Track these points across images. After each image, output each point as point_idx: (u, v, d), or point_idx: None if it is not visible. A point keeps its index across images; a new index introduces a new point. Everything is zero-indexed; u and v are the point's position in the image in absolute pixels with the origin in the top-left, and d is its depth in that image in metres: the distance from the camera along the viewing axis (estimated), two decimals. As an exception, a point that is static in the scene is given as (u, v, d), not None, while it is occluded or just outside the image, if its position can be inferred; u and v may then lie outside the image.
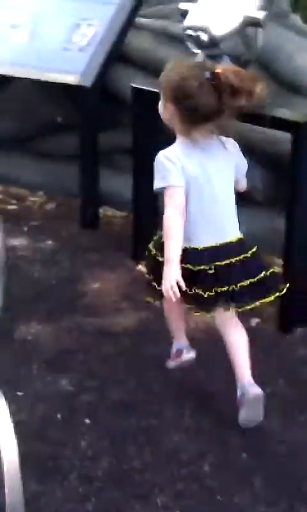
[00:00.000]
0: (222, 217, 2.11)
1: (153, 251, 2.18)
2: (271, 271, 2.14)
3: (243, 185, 2.22)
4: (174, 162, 2.02)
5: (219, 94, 1.96)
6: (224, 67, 2.05)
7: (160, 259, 2.08)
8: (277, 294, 2.16)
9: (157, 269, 2.10)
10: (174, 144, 2.06)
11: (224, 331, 2.19)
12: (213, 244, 2.10)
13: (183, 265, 2.03)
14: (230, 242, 2.12)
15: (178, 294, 1.99)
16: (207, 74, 1.96)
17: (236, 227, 2.16)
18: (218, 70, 1.97)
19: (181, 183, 2.03)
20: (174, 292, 1.98)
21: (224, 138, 2.08)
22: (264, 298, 2.15)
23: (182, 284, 1.98)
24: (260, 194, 3.15)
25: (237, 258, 2.08)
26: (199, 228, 2.10)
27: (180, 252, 2.03)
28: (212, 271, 2.05)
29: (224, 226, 2.13)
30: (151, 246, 2.21)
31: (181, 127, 2.03)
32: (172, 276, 1.99)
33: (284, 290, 2.16)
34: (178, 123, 2.03)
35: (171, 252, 2.03)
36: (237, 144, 2.14)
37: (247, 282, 2.06)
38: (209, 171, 2.06)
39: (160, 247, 2.10)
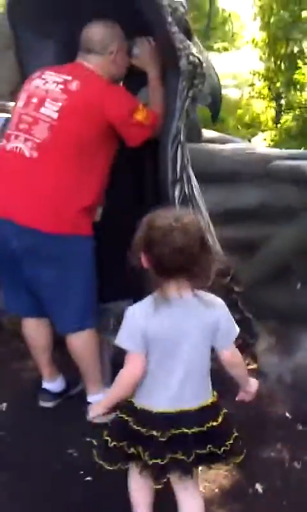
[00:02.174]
0: (185, 381, 1.86)
1: (125, 417, 1.93)
2: (234, 436, 1.92)
3: (227, 355, 1.90)
4: (137, 324, 1.82)
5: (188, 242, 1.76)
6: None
7: (134, 426, 1.88)
8: (236, 460, 1.95)
9: (127, 434, 1.89)
10: (148, 297, 1.86)
11: (177, 496, 1.94)
12: (171, 410, 1.85)
13: (134, 426, 1.87)
14: (190, 410, 1.86)
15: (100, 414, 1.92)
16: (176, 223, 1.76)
17: (203, 393, 1.91)
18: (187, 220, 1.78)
19: (137, 349, 1.83)
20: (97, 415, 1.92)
21: (208, 297, 1.85)
22: (222, 463, 1.95)
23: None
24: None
25: (195, 430, 1.84)
26: (158, 390, 1.87)
27: (118, 399, 1.91)
28: (164, 439, 1.83)
29: (186, 391, 1.86)
30: (120, 412, 1.96)
31: (153, 278, 1.82)
32: (103, 405, 1.92)
33: (242, 458, 1.94)
34: (150, 274, 1.83)
35: (111, 396, 1.92)
36: (224, 305, 1.89)
37: (206, 450, 1.85)
38: (178, 332, 1.83)
39: (134, 412, 1.91)
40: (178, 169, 2.49)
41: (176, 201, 2.46)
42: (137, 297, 1.89)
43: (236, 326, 1.89)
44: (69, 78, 2.48)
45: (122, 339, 1.83)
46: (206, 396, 1.90)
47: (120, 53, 2.58)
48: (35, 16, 2.63)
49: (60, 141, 2.41)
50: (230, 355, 1.88)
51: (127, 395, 1.89)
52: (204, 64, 2.78)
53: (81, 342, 2.56)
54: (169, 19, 2.37)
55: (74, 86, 2.45)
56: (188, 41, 2.49)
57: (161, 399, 1.85)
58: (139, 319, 1.81)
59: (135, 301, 1.89)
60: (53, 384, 2.81)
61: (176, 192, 2.47)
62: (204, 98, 3.00)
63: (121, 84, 2.71)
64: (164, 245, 1.72)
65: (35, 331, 2.70)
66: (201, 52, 2.79)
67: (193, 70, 2.50)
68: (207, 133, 4.17)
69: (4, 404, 2.81)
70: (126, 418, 1.90)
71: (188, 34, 2.61)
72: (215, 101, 2.99)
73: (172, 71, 2.46)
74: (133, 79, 2.72)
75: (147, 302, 1.83)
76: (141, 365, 1.82)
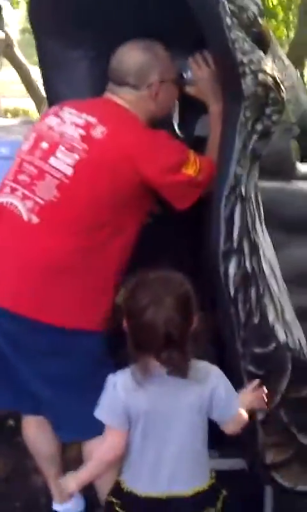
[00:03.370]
0: (176, 463, 1.65)
1: (112, 499, 1.73)
2: None
3: (229, 429, 1.69)
4: (118, 397, 1.63)
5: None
6: None
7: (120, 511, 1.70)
8: None
9: None
10: (130, 368, 1.66)
11: None
12: (159, 496, 1.64)
13: (120, 510, 1.69)
14: (181, 496, 1.64)
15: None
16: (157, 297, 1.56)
17: (198, 477, 1.69)
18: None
19: (118, 425, 1.64)
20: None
21: (200, 366, 1.64)
22: None
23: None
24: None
25: None
26: (145, 471, 1.67)
27: (94, 477, 1.74)
28: None
29: (176, 474, 1.66)
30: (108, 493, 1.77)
31: (130, 350, 1.62)
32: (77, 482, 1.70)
33: None
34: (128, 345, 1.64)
35: (86, 472, 1.70)
36: (221, 374, 1.66)
37: None
38: (165, 410, 1.62)
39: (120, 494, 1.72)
40: (235, 235, 1.75)
41: (230, 281, 1.72)
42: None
43: (235, 392, 1.68)
44: (93, 120, 1.82)
45: (101, 411, 1.66)
46: (201, 480, 1.70)
47: (164, 85, 1.89)
48: (55, 19, 1.99)
49: (71, 206, 1.76)
50: (233, 429, 1.68)
51: (102, 473, 1.73)
52: (285, 86, 2.04)
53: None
54: (228, 20, 1.66)
55: (99, 132, 1.79)
56: (258, 54, 1.76)
57: (148, 481, 1.67)
58: (120, 391, 1.63)
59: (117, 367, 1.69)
60: (66, 506, 2.14)
61: (231, 269, 1.72)
62: (289, 131, 2.25)
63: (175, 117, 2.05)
64: (138, 320, 1.56)
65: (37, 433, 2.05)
66: (284, 68, 2.05)
67: (264, 94, 1.76)
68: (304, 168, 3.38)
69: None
70: (113, 500, 1.73)
71: (262, 45, 1.89)
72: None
73: (231, 96, 1.74)
74: (189, 107, 2.03)
75: (129, 374, 1.64)
76: (121, 443, 1.66)
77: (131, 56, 1.87)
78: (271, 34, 1.95)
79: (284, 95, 1.85)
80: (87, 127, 1.81)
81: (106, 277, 1.80)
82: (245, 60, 1.70)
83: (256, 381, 1.74)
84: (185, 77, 1.96)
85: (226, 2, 1.66)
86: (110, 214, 1.78)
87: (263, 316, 1.81)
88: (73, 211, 1.76)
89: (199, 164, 1.81)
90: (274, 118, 1.80)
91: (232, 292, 1.71)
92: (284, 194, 2.34)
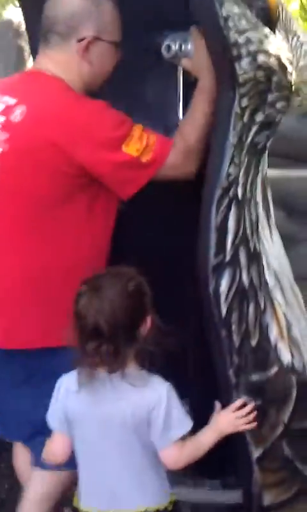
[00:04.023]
0: (113, 478, 1.51)
1: None
2: None
3: (167, 457, 1.48)
4: (59, 399, 1.52)
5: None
6: None
7: None
8: None
9: None
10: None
11: None
12: None
13: None
14: None
15: None
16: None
17: (144, 494, 1.51)
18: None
19: (58, 427, 1.53)
20: None
21: (150, 378, 1.47)
22: None
23: None
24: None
25: None
26: (84, 485, 1.55)
27: None
28: None
29: (116, 491, 1.51)
30: None
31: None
32: None
33: None
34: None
35: None
36: (167, 392, 1.45)
37: None
38: (98, 415, 1.47)
39: None
40: (229, 245, 1.50)
41: (222, 299, 1.49)
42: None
43: (186, 420, 1.46)
44: (13, 102, 1.53)
45: (48, 413, 1.56)
46: (149, 498, 1.51)
47: (99, 45, 1.56)
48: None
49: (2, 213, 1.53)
50: (170, 459, 1.47)
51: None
52: (301, 65, 1.76)
53: None
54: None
55: (18, 114, 1.50)
56: (261, 32, 1.49)
57: (92, 497, 1.55)
58: (62, 392, 1.53)
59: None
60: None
61: (223, 285, 1.49)
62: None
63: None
64: (74, 308, 1.44)
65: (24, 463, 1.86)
66: (295, 48, 1.77)
67: (265, 79, 1.50)
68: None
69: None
70: None
71: (269, 20, 1.61)
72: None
73: (224, 83, 1.48)
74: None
75: (74, 375, 1.51)
76: (61, 448, 1.54)
77: (65, 1, 1.56)
78: (281, 7, 1.68)
79: (292, 77, 1.58)
80: (6, 111, 1.53)
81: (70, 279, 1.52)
82: (240, 40, 1.43)
83: (239, 401, 1.53)
84: (184, 49, 1.69)
85: None
86: (50, 218, 1.52)
87: (264, 336, 1.57)
88: (5, 218, 1.54)
89: (147, 141, 1.49)
90: (279, 105, 1.53)
91: (224, 312, 1.48)
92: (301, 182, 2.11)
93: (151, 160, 1.49)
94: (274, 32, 1.61)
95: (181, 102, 1.87)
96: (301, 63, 1.75)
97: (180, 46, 1.71)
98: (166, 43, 1.70)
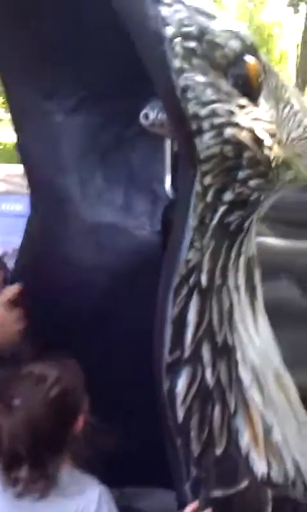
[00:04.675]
0: None
1: None
2: None
3: None
4: None
5: None
6: None
7: None
8: None
9: None
10: None
11: None
12: None
13: None
14: None
15: None
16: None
17: None
18: None
19: None
20: None
21: (81, 480, 1.34)
22: None
23: None
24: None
25: None
26: None
27: None
28: None
29: None
30: None
31: None
32: None
33: None
34: None
35: None
36: (107, 502, 1.33)
37: None
38: None
39: None
40: (188, 340, 1.32)
41: (178, 402, 1.30)
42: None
43: None
44: None
45: None
46: None
47: None
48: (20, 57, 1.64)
49: None
50: None
51: None
52: (292, 137, 1.60)
53: None
54: (177, 63, 1.26)
55: None
56: (234, 102, 1.33)
57: None
58: None
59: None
60: None
61: (180, 386, 1.31)
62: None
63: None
64: None
65: None
66: (286, 118, 1.61)
67: (234, 155, 1.34)
68: None
69: None
70: None
71: (248, 89, 1.46)
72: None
73: (184, 158, 1.33)
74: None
75: None
76: None
77: None
78: (269, 73, 1.53)
79: (273, 151, 1.42)
80: None
81: None
82: (202, 112, 1.29)
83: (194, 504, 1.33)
84: (158, 117, 1.57)
85: (177, 40, 1.27)
86: None
87: (232, 443, 1.37)
88: None
89: None
90: (253, 183, 1.37)
91: (180, 416, 1.30)
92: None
93: None
94: (256, 101, 1.47)
95: (169, 171, 1.75)
96: (293, 134, 1.59)
97: (157, 114, 1.60)
98: (145, 111, 1.60)
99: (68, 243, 1.84)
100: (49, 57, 1.72)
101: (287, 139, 1.58)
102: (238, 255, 1.45)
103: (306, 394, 2.20)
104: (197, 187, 1.28)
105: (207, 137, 1.28)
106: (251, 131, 1.35)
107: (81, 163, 1.85)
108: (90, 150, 1.83)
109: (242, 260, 1.47)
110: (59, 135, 1.81)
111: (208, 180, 1.30)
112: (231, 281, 1.43)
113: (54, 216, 1.85)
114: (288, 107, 1.63)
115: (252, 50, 1.43)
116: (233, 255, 1.43)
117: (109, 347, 1.63)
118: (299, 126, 1.63)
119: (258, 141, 1.36)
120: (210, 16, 1.39)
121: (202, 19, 1.36)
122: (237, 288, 1.46)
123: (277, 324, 2.19)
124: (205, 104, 1.29)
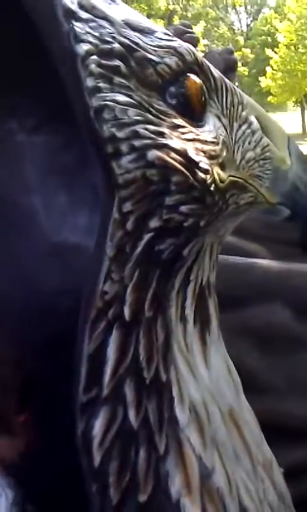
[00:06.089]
0: None
1: None
2: None
3: None
4: None
5: None
6: None
7: None
8: None
9: None
10: None
11: None
12: None
13: None
14: None
15: None
16: None
17: None
18: None
19: None
20: None
21: None
22: None
23: None
24: None
25: None
26: None
27: None
28: None
29: None
30: None
31: None
32: None
33: None
34: None
35: None
36: None
37: None
38: None
39: None
40: (107, 377, 1.22)
41: (94, 446, 1.21)
42: None
43: None
44: None
45: None
46: None
47: None
48: None
49: None
50: None
51: None
52: (248, 158, 1.48)
53: None
54: (90, 82, 1.17)
55: None
56: (167, 122, 1.24)
57: None
58: None
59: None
60: None
61: (97, 426, 1.21)
62: (274, 213, 1.68)
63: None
64: None
65: None
66: (242, 137, 1.49)
67: (159, 179, 1.23)
68: None
69: None
70: None
71: (188, 107, 1.35)
72: (303, 214, 1.64)
73: (101, 184, 1.24)
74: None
75: None
76: None
77: None
78: (227, 90, 1.42)
79: (209, 175, 1.30)
80: None
81: None
82: (120, 134, 1.19)
83: None
84: None
85: (93, 58, 1.18)
86: None
87: (160, 489, 1.26)
88: None
89: None
90: (185, 208, 1.26)
91: (97, 461, 1.20)
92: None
93: None
94: (199, 121, 1.37)
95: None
96: (249, 155, 1.47)
97: None
98: None
99: (31, 264, 1.78)
100: (7, 75, 1.67)
101: (241, 159, 1.47)
102: (185, 283, 1.35)
103: (298, 423, 2.10)
104: (115, 215, 1.19)
105: (126, 161, 1.19)
106: (182, 153, 1.25)
107: (44, 183, 1.79)
108: (53, 170, 1.77)
109: (190, 288, 1.37)
110: (22, 155, 1.75)
111: (127, 206, 1.20)
112: (171, 312, 1.33)
113: (17, 236, 1.81)
114: (244, 126, 1.52)
115: (195, 66, 1.33)
116: (175, 283, 1.33)
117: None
118: (256, 146, 1.52)
119: (191, 164, 1.26)
120: (144, 32, 1.30)
121: (132, 34, 1.28)
122: (183, 319, 1.36)
123: (269, 350, 2.09)
124: (125, 125, 1.20)
